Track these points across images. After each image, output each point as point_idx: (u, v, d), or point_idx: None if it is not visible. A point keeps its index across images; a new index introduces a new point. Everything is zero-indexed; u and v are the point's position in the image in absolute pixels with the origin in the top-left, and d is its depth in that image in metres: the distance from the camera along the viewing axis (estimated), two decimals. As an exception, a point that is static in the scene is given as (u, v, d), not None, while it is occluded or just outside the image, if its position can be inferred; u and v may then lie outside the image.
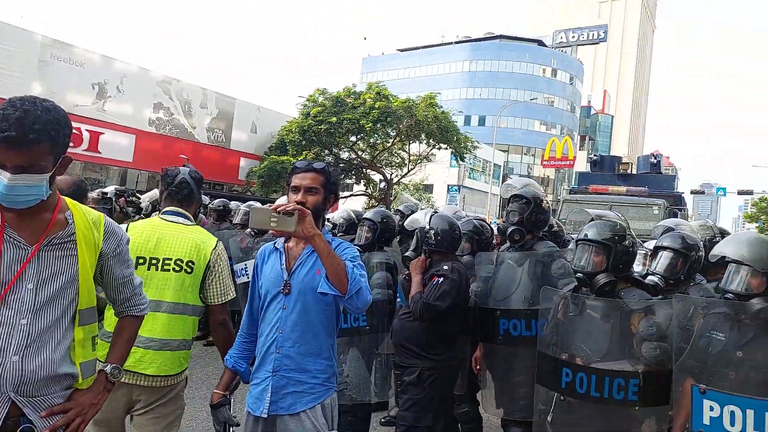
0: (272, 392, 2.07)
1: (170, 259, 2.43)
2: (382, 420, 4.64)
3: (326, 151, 20.15)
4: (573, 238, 3.75)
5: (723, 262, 2.50)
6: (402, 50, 68.30)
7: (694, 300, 2.67)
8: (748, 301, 2.32)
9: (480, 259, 3.61)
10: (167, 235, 2.47)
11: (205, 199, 7.31)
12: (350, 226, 5.02)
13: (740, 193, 36.67)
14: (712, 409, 2.29)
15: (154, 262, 2.42)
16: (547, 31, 78.12)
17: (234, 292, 2.62)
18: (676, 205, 11.27)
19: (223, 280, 2.53)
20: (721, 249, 2.50)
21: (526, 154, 60.63)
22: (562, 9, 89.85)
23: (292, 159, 18.37)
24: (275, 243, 2.23)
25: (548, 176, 56.62)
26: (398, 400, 3.80)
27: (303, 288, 2.09)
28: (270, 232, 1.93)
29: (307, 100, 20.11)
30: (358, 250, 3.95)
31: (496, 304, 3.46)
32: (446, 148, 21.78)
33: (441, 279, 3.20)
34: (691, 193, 41.69)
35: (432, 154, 22.37)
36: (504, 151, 52.76)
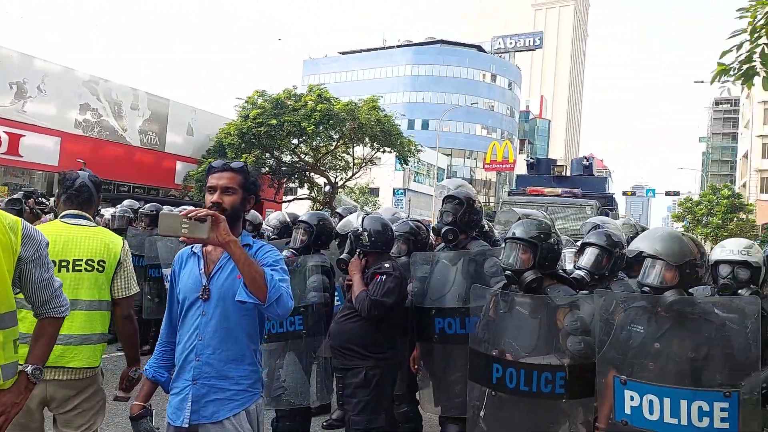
0: (192, 401, 2.01)
1: (81, 260, 2.52)
2: (324, 423, 4.59)
3: (267, 154, 19.78)
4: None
5: (641, 258, 2.62)
6: (344, 53, 68.26)
7: (615, 294, 2.78)
8: (663, 293, 2.43)
9: (415, 259, 3.63)
10: (74, 237, 2.54)
11: (136, 204, 7.03)
12: (284, 229, 4.95)
13: (667, 194, 38.86)
14: (632, 399, 2.39)
15: (64, 264, 2.49)
16: (485, 37, 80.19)
17: (137, 287, 2.72)
18: (607, 205, 11.79)
19: (128, 275, 2.65)
20: (637, 244, 2.61)
21: (468, 158, 61.93)
22: (498, 16, 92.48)
23: (230, 162, 17.92)
24: (193, 247, 2.16)
25: (490, 179, 58.08)
26: (340, 403, 3.76)
27: (222, 293, 2.03)
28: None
29: (246, 102, 19.69)
30: (293, 252, 3.96)
31: (432, 303, 3.50)
32: (390, 152, 21.88)
33: (384, 276, 3.23)
34: (624, 194, 43.83)
35: (376, 158, 22.42)
36: (447, 154, 53.70)
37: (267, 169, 20.49)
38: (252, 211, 6.52)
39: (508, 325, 2.85)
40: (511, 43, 76.49)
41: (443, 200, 3.79)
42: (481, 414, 2.87)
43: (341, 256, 3.43)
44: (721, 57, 3.82)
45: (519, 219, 3.08)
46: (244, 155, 18.36)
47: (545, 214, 3.14)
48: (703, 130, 76.15)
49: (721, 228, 30.24)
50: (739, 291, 3.04)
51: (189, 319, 2.06)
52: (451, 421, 3.41)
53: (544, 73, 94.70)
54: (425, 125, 58.16)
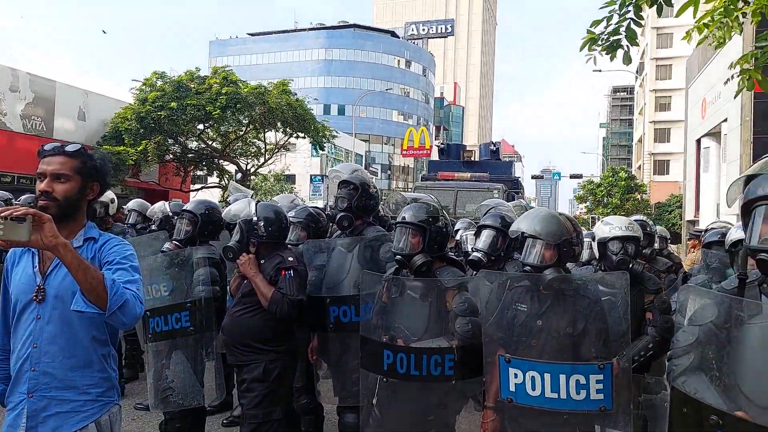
0: (28, 416, 1.78)
1: None
2: (225, 421, 4.42)
3: (170, 141, 18.62)
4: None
5: (523, 238, 2.66)
6: (253, 34, 65.99)
7: (500, 275, 2.82)
8: (543, 272, 2.49)
9: (308, 246, 3.51)
10: None
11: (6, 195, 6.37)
12: (165, 219, 4.64)
13: (572, 177, 41.17)
14: (516, 376, 2.43)
15: None
16: (397, 23, 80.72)
17: None
18: (513, 188, 12.22)
19: None
20: (518, 225, 2.66)
21: (386, 144, 62.36)
22: (409, 2, 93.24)
23: (129, 149, 16.67)
24: None
25: (408, 165, 58.84)
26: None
27: (61, 293, 1.80)
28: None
29: (144, 84, 18.40)
30: (176, 244, 3.71)
31: (327, 292, 3.41)
32: (305, 137, 21.41)
33: (292, 271, 3.09)
34: (533, 177, 46.00)
35: (290, 144, 21.89)
36: (365, 140, 53.72)
37: (171, 156, 19.36)
38: (139, 200, 6.16)
39: (399, 310, 2.83)
40: (423, 29, 77.45)
41: (338, 186, 3.69)
42: (374, 401, 2.84)
43: (229, 244, 3.20)
44: (591, 26, 3.96)
45: (408, 203, 3.04)
46: (144, 141, 17.18)
47: (432, 197, 3.12)
48: (603, 116, 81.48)
49: (619, 208, 32.56)
50: (633, 266, 3.20)
51: (22, 325, 1.82)
52: (349, 410, 3.35)
53: (456, 60, 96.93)
54: (341, 111, 57.80)
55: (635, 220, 4.22)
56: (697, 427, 1.62)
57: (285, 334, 3.19)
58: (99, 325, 1.87)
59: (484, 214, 3.99)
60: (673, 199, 31.72)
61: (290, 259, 3.14)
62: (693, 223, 22.00)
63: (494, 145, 14.47)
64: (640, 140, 49.92)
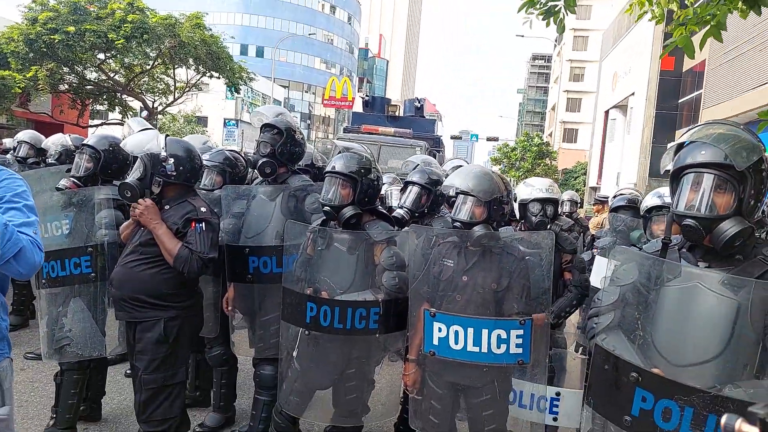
0: None
1: None
2: (127, 372, 4.19)
3: (66, 69, 16.81)
4: None
5: (455, 194, 2.64)
6: (165, -40, 60.60)
7: (428, 230, 2.80)
8: (472, 228, 2.48)
9: (227, 192, 3.29)
10: None
11: None
12: (66, 153, 4.17)
13: (488, 139, 42.41)
14: (440, 330, 2.45)
15: None
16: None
17: None
18: (435, 147, 12.33)
19: None
20: (451, 181, 2.62)
21: (307, 92, 60.64)
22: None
23: (16, 75, 14.84)
24: None
25: (329, 116, 57.76)
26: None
27: None
28: None
29: (34, 2, 16.38)
30: (74, 182, 3.33)
31: (247, 242, 3.23)
32: (219, 77, 20.18)
33: (203, 224, 2.72)
34: (451, 138, 46.90)
35: (203, 83, 20.61)
36: (284, 86, 51.86)
37: (66, 86, 17.54)
38: (31, 131, 5.51)
39: (324, 263, 2.74)
40: (351, -26, 74.94)
41: (261, 129, 3.45)
42: (294, 353, 2.77)
43: (127, 181, 2.75)
44: None
45: (339, 152, 2.90)
46: (34, 67, 15.37)
47: (365, 147, 3.01)
48: (521, 82, 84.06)
49: (530, 171, 34.11)
50: (551, 227, 3.30)
51: None
52: (266, 362, 3.26)
53: (383, 11, 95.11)
54: (260, 53, 55.16)
55: None
56: (615, 384, 1.68)
57: (188, 288, 2.85)
58: None
59: (412, 171, 3.95)
60: (578, 166, 33.69)
61: (203, 209, 2.77)
62: (595, 189, 23.55)
63: (419, 102, 14.45)
64: (553, 108, 52.14)
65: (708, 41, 3.75)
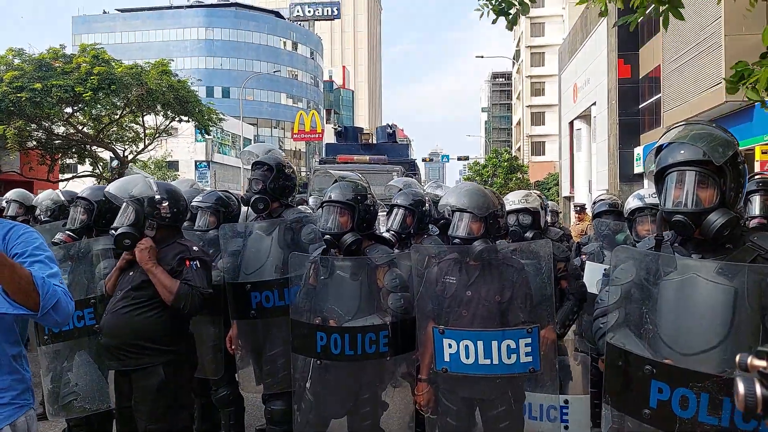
0: None
1: None
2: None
3: (33, 125, 16.63)
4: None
5: (450, 212, 2.73)
6: (122, 10, 60.71)
7: (428, 249, 2.88)
8: (471, 244, 2.56)
9: (224, 231, 3.32)
10: None
11: None
12: (60, 209, 4.15)
13: (459, 159, 43.05)
14: (450, 346, 2.50)
15: None
16: (280, 3, 78.55)
17: None
18: (410, 170, 12.48)
19: None
20: (447, 200, 2.71)
21: (275, 128, 60.77)
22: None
23: (-16, 134, 14.73)
24: None
25: (300, 149, 57.85)
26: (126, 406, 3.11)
27: None
28: None
29: (-3, 62, 16.31)
30: (69, 235, 3.33)
31: (246, 278, 3.26)
32: (188, 121, 20.16)
33: (197, 262, 2.74)
34: (423, 160, 47.47)
35: (172, 128, 20.55)
36: (253, 124, 51.99)
37: (35, 143, 17.33)
38: (20, 189, 5.46)
39: (329, 291, 2.78)
40: (309, 11, 76.07)
41: (252, 167, 3.52)
42: (307, 385, 2.78)
43: (123, 230, 2.69)
44: None
45: (335, 182, 2.97)
46: (1, 127, 15.23)
47: (360, 175, 3.09)
48: (485, 101, 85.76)
49: (503, 186, 34.59)
50: (525, 234, 3.40)
51: None
52: (275, 397, 3.26)
53: (343, 43, 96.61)
54: (226, 93, 55.28)
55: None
56: (630, 379, 1.75)
57: (182, 331, 2.84)
58: (9, 324, 1.67)
59: (395, 194, 4.03)
60: (550, 177, 34.35)
61: (194, 248, 2.80)
62: (569, 198, 24.00)
63: (390, 128, 14.68)
64: (518, 123, 53.29)
65: (660, 47, 3.94)
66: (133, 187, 2.80)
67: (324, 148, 18.29)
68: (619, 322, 1.95)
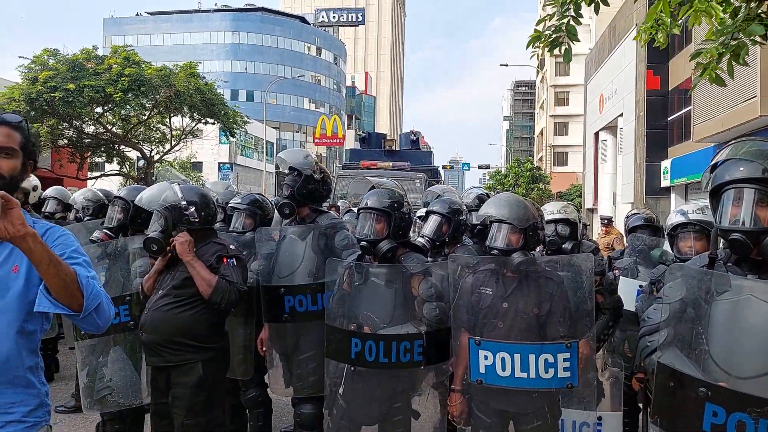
0: None
1: None
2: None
3: (65, 124, 17.05)
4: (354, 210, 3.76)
5: (489, 222, 2.70)
6: (152, 13, 61.98)
7: (465, 259, 2.85)
8: (510, 255, 2.54)
9: (260, 235, 3.35)
10: None
11: None
12: (99, 208, 4.23)
13: (480, 167, 42.93)
14: (486, 358, 2.48)
15: None
16: (305, 9, 79.38)
17: None
18: (433, 177, 12.49)
19: None
20: (486, 210, 2.69)
21: (297, 132, 61.27)
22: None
23: (18, 133, 15.16)
24: None
25: (321, 154, 58.19)
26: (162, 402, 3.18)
27: None
28: None
29: (33, 62, 16.68)
30: (106, 233, 3.39)
31: (280, 282, 3.28)
32: (213, 123, 20.44)
33: (234, 260, 2.82)
34: (443, 168, 47.39)
35: (198, 130, 20.85)
36: (275, 128, 52.44)
37: (66, 141, 17.75)
38: (58, 186, 5.58)
39: (364, 298, 2.78)
40: (334, 17, 76.74)
41: (285, 173, 3.55)
42: (340, 391, 2.78)
43: (152, 235, 2.77)
44: (537, 24, 4.10)
45: (372, 188, 2.97)
46: (35, 125, 15.61)
47: (397, 183, 3.09)
48: (507, 109, 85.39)
49: (525, 197, 34.40)
50: (563, 245, 3.35)
51: None
52: (305, 400, 3.26)
53: (367, 49, 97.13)
54: (250, 96, 55.93)
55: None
56: (683, 401, 1.70)
57: (220, 329, 2.93)
58: (33, 333, 1.61)
59: (433, 200, 4.02)
60: (573, 188, 33.97)
61: (231, 246, 2.89)
62: (592, 211, 23.71)
63: (414, 135, 14.70)
64: (541, 133, 52.86)
65: (687, 58, 3.92)
66: (162, 195, 2.90)
67: (347, 154, 18.39)
68: (668, 341, 1.90)
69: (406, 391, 2.78)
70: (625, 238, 5.25)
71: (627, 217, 4.93)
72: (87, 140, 18.57)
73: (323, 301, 3.09)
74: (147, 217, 3.54)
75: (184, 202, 2.83)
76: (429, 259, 3.32)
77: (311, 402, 3.20)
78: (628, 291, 3.67)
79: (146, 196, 3.18)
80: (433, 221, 3.63)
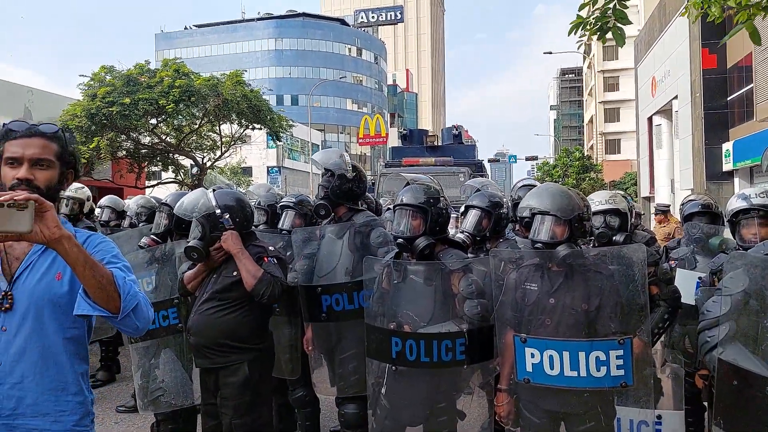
0: None
1: None
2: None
3: (123, 137, 17.89)
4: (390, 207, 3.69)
5: (531, 214, 2.59)
6: (200, 26, 64.11)
7: (506, 254, 2.75)
8: (555, 248, 2.41)
9: (296, 236, 3.34)
10: None
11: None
12: (152, 214, 4.36)
13: (527, 159, 41.98)
14: (533, 356, 2.37)
15: None
16: (345, 11, 79.91)
17: None
18: (478, 171, 12.27)
19: None
20: (528, 202, 2.58)
21: (342, 133, 61.88)
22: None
23: (81, 147, 15.90)
24: None
25: (365, 153, 58.58)
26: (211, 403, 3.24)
27: (35, 301, 1.54)
28: None
29: (92, 79, 17.55)
30: (153, 239, 3.48)
31: (319, 281, 3.27)
32: (261, 128, 20.90)
33: (275, 259, 2.87)
34: (489, 161, 46.70)
35: (246, 135, 21.35)
36: (320, 130, 53.15)
37: (124, 152, 18.61)
38: (112, 196, 5.82)
39: (403, 296, 2.72)
40: (373, 17, 76.97)
41: (321, 174, 3.55)
42: (382, 391, 2.73)
43: (192, 244, 2.83)
44: (579, 9, 3.91)
45: (407, 184, 2.90)
46: (96, 138, 16.43)
47: (432, 178, 3.00)
48: (553, 98, 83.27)
49: (575, 187, 33.39)
50: (614, 237, 3.18)
51: None
52: (348, 400, 3.24)
53: (407, 47, 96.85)
54: (295, 100, 56.90)
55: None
56: (748, 400, 1.57)
57: (263, 330, 2.99)
58: (80, 338, 1.63)
59: (471, 194, 3.91)
60: (627, 177, 32.72)
61: (271, 248, 2.93)
62: (648, 199, 22.76)
63: (456, 129, 14.48)
64: (590, 120, 51.24)
65: (746, 33, 3.61)
66: (198, 203, 2.93)
67: (389, 152, 18.36)
68: (729, 335, 1.76)
69: (450, 391, 2.70)
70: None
71: (683, 204, 4.66)
72: (144, 151, 19.40)
73: (359, 299, 3.07)
74: (189, 222, 3.63)
75: (218, 210, 2.86)
76: (470, 254, 3.23)
77: (355, 402, 3.18)
78: (686, 283, 3.45)
79: (184, 204, 3.25)
80: (473, 216, 3.53)
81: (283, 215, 3.70)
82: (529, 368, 2.38)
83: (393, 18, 77.90)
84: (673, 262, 3.94)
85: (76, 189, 4.55)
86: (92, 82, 17.65)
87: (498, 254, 2.68)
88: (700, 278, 3.29)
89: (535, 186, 3.93)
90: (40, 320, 1.54)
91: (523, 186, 3.94)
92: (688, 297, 3.21)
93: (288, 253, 3.42)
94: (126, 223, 4.90)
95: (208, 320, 2.82)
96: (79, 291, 1.46)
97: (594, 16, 3.92)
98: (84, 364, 1.65)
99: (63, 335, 1.57)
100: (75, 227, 1.68)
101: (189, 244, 2.84)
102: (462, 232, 3.52)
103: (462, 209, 3.69)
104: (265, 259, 2.83)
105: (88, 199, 4.65)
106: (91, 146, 16.42)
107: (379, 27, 77.71)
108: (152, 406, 3.25)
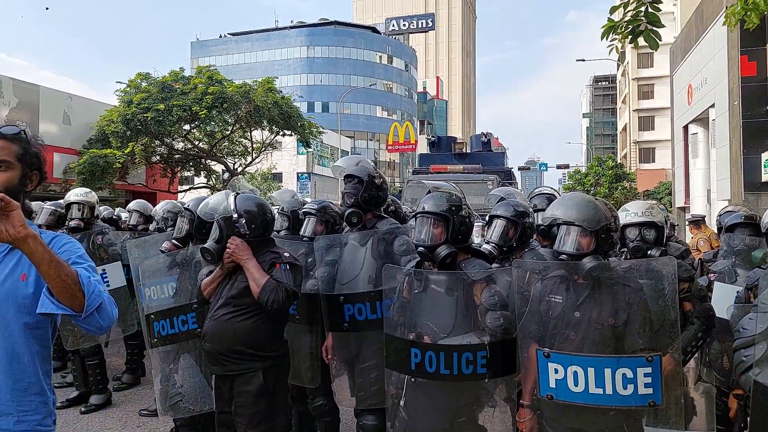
0: None
1: None
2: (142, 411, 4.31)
3: (157, 142, 18.37)
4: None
5: (556, 224, 2.51)
6: (234, 34, 65.46)
7: (530, 265, 2.67)
8: (580, 260, 2.33)
9: (319, 244, 3.32)
10: None
11: None
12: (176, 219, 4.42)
13: (558, 167, 41.37)
14: (557, 371, 2.29)
15: None
16: (377, 19, 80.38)
17: None
18: (507, 179, 12.10)
19: None
20: (552, 212, 2.50)
21: (371, 140, 62.14)
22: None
23: (116, 152, 16.39)
24: None
25: (394, 160, 58.68)
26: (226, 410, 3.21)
27: (0, 301, 1.55)
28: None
29: (128, 86, 18.09)
30: (173, 243, 3.49)
31: (341, 289, 3.23)
32: (291, 135, 21.15)
33: (288, 266, 2.81)
34: (519, 169, 46.15)
35: (277, 142, 21.66)
36: (350, 137, 53.48)
37: (158, 157, 19.08)
38: (141, 200, 5.91)
39: (423, 306, 2.66)
40: (404, 24, 77.22)
41: (344, 180, 3.50)
42: (401, 402, 2.67)
43: (206, 245, 2.85)
44: (611, 13, 3.81)
45: (429, 192, 2.85)
46: (130, 143, 16.90)
47: (455, 185, 2.94)
48: (586, 106, 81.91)
49: (608, 197, 32.68)
50: (649, 251, 3.06)
51: None
52: (367, 411, 3.19)
53: (438, 54, 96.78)
54: (325, 108, 57.47)
55: None
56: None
57: (279, 337, 2.93)
58: (43, 338, 1.62)
59: (495, 204, 3.83)
60: (662, 186, 31.86)
61: (286, 254, 2.87)
62: (683, 209, 22.12)
63: (485, 137, 14.33)
64: (624, 129, 50.20)
65: None
66: (220, 206, 2.93)
67: (417, 159, 18.29)
68: (766, 356, 1.65)
69: (471, 405, 2.62)
70: (711, 238, 4.77)
71: (720, 215, 4.49)
72: (177, 156, 19.86)
73: (382, 309, 3.01)
74: (211, 227, 3.65)
75: (236, 215, 2.85)
76: (496, 265, 3.15)
77: (374, 413, 3.13)
78: (725, 297, 3.30)
79: (209, 205, 3.26)
80: (499, 226, 3.44)
81: (305, 222, 3.68)
82: (552, 384, 2.29)
83: (424, 26, 78.04)
84: (711, 275, 3.78)
85: (85, 193, 4.49)
86: (128, 89, 18.18)
87: (522, 265, 2.61)
88: (738, 292, 3.15)
89: (551, 194, 3.84)
90: (5, 320, 1.54)
91: (539, 195, 3.85)
92: (726, 313, 3.07)
93: (309, 260, 3.40)
94: (153, 227, 4.96)
95: (223, 326, 2.79)
96: (44, 290, 1.46)
97: (626, 19, 3.81)
98: (47, 363, 1.65)
99: (27, 335, 1.58)
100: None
101: (203, 246, 2.86)
102: (488, 242, 3.45)
103: (487, 218, 3.62)
104: (278, 265, 2.79)
105: (97, 203, 4.68)
106: (126, 151, 16.90)
107: (410, 34, 77.90)
108: (171, 411, 3.25)
